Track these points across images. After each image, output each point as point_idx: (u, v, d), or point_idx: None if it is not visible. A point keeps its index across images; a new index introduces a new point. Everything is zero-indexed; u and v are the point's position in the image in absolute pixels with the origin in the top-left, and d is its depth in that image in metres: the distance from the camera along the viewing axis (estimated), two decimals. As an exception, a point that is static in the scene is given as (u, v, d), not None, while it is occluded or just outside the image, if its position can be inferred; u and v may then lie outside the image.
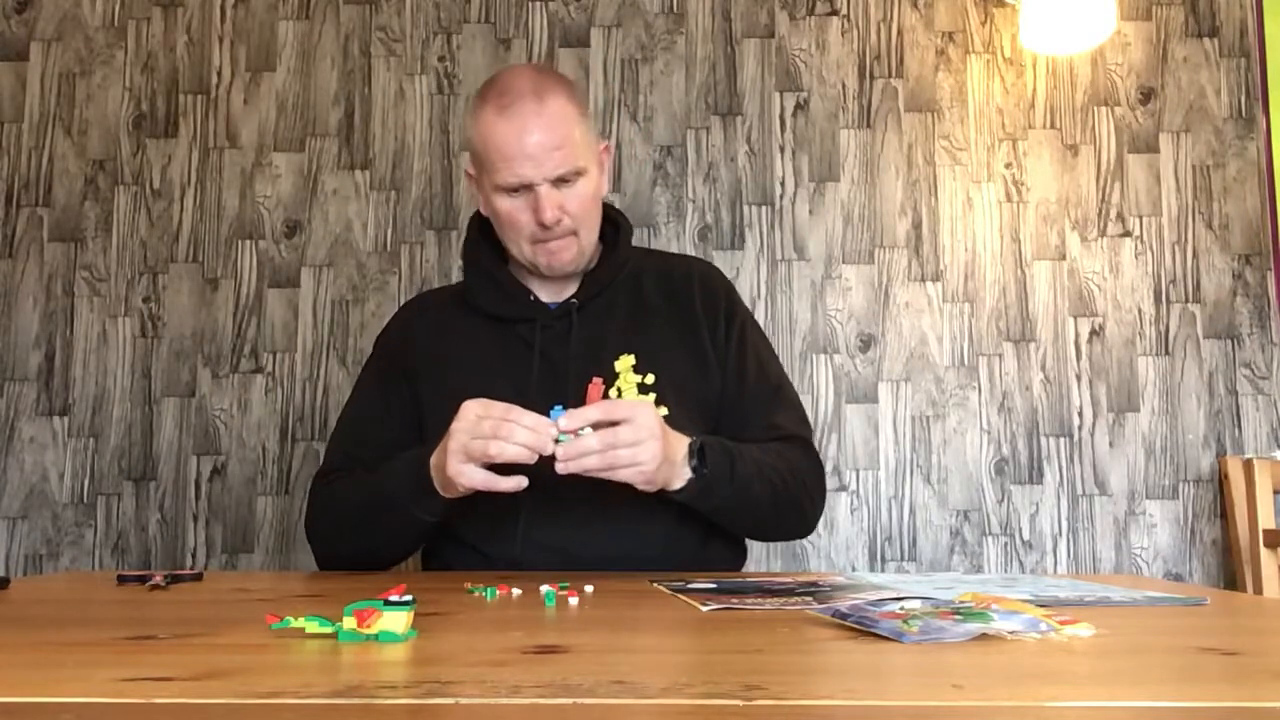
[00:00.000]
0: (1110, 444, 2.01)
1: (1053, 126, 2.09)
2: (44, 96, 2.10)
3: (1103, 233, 2.07)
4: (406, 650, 0.59)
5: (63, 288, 2.05)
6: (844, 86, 2.11)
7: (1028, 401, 2.02)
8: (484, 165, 1.38)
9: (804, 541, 1.99)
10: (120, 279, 2.05)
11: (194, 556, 1.99)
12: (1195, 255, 2.06)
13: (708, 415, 1.35)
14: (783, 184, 2.08)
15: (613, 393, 1.29)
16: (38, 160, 2.08)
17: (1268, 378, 2.02)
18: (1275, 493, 1.93)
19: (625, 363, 1.26)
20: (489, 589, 0.93)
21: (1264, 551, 1.87)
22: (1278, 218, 2.06)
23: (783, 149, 2.09)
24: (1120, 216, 2.07)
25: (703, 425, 1.31)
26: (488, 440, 1.12)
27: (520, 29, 2.11)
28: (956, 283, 2.05)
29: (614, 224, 1.49)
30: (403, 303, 1.97)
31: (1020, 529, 1.99)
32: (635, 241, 2.04)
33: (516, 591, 0.93)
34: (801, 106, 2.10)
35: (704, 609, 0.79)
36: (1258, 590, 1.86)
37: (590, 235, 1.41)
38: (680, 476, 1.19)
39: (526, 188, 1.33)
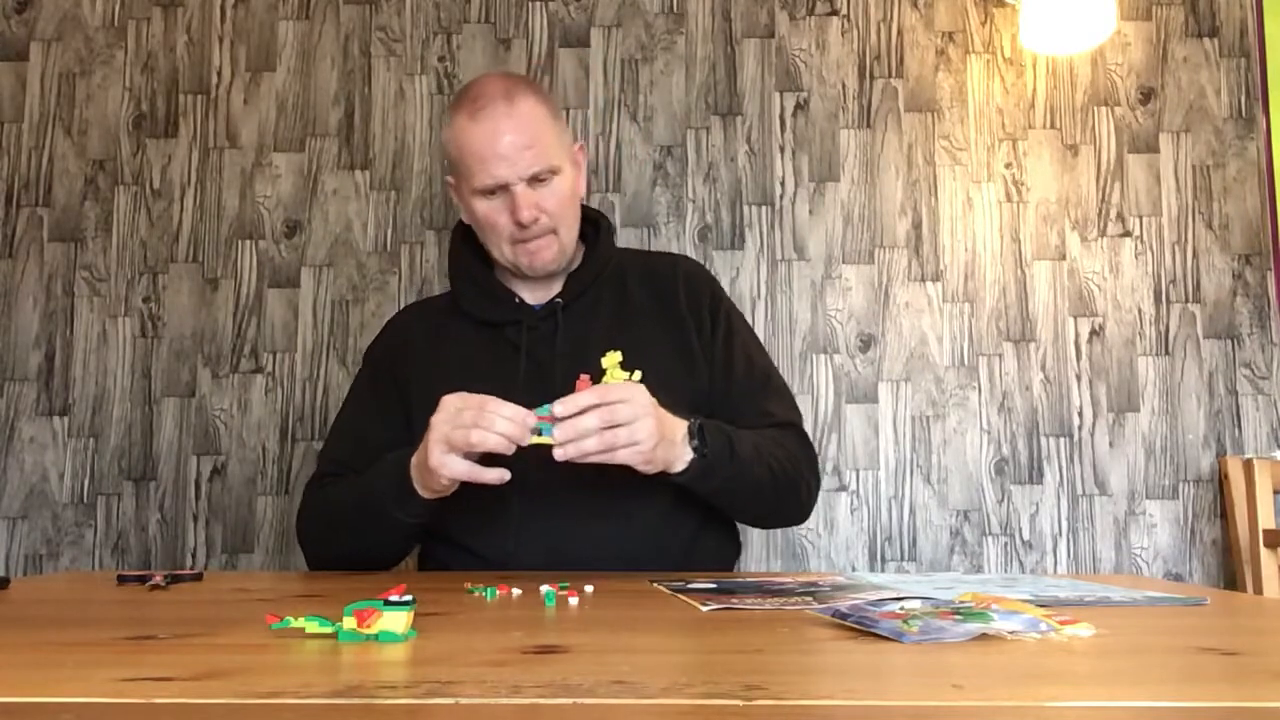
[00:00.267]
0: (1110, 444, 2.01)
1: (1053, 126, 2.09)
2: (44, 96, 2.10)
3: (1103, 233, 2.07)
4: (406, 650, 0.59)
5: (63, 288, 2.05)
6: (844, 86, 2.11)
7: (1028, 401, 2.02)
8: (460, 171, 1.40)
9: (804, 541, 1.99)
10: (120, 279, 2.05)
11: (194, 556, 1.99)
12: (1195, 255, 2.06)
13: (696, 411, 1.36)
14: (783, 184, 2.08)
15: None
16: (38, 160, 2.08)
17: (1268, 378, 2.03)
18: (1275, 493, 1.93)
19: (612, 359, 1.27)
20: (489, 589, 0.93)
21: (1264, 551, 1.87)
22: (1278, 218, 2.06)
23: (783, 149, 2.09)
24: (1120, 216, 2.07)
25: None
26: (468, 429, 1.12)
27: (520, 29, 2.11)
28: (956, 283, 2.05)
29: (594, 224, 1.51)
30: (402, 305, 1.98)
31: (1020, 529, 1.99)
32: (635, 242, 2.06)
33: (516, 591, 0.93)
34: (801, 106, 2.10)
35: (704, 609, 0.79)
36: (1258, 590, 1.86)
37: (569, 233, 1.43)
38: (681, 458, 1.20)
39: (503, 189, 1.35)
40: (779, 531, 1.99)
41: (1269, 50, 2.10)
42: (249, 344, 2.03)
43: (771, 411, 1.41)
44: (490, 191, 1.37)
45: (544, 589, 0.91)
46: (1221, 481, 1.99)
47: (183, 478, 2.00)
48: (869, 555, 2.00)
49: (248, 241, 2.06)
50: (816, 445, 2.00)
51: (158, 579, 1.06)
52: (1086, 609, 0.80)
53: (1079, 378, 2.03)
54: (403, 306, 1.73)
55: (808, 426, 2.00)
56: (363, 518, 1.29)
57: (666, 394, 1.22)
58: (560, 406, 1.11)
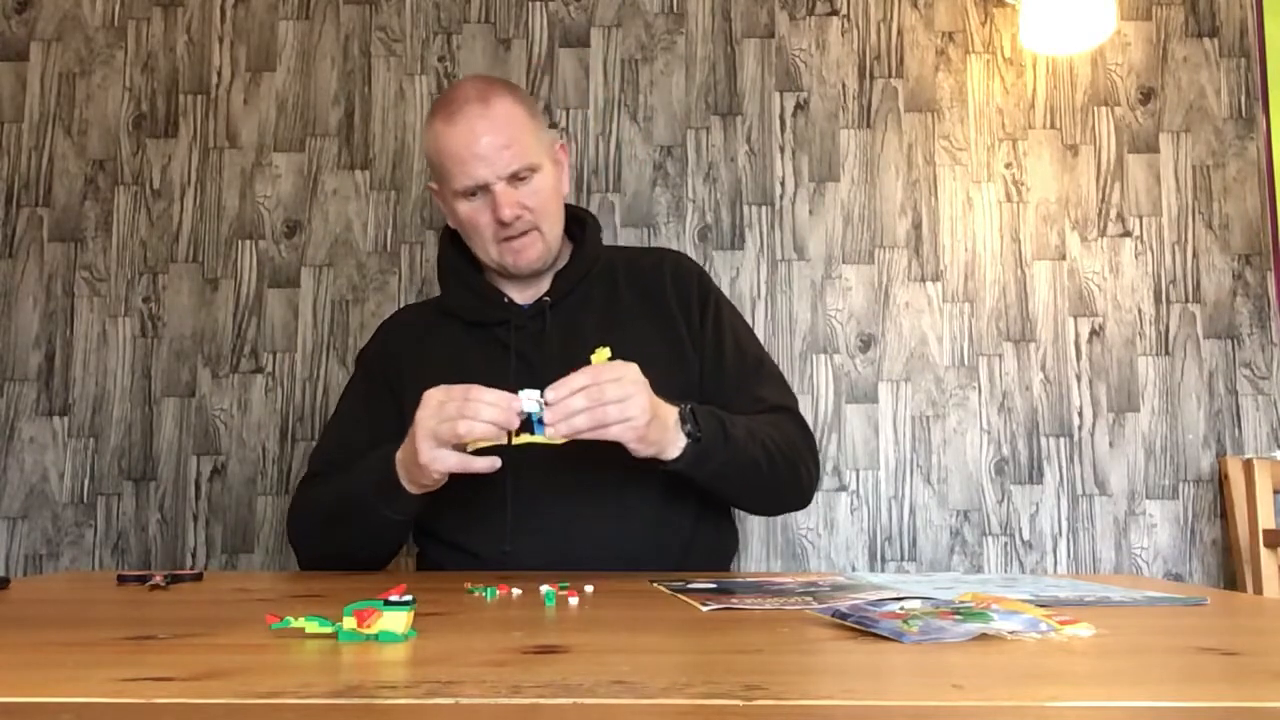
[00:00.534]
0: (1110, 444, 2.01)
1: (1053, 126, 2.09)
2: (44, 96, 2.10)
3: (1103, 233, 2.07)
4: (406, 650, 0.59)
5: (63, 288, 2.05)
6: (844, 86, 2.11)
7: (1028, 401, 2.02)
8: (441, 175, 1.41)
9: (804, 541, 1.99)
10: (120, 279, 2.05)
11: (194, 556, 1.99)
12: (1195, 255, 2.06)
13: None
14: (783, 184, 2.08)
15: None
16: (38, 160, 2.08)
17: (1268, 378, 2.02)
18: (1275, 493, 1.93)
19: (601, 355, 1.26)
20: (489, 589, 0.93)
21: (1264, 551, 1.87)
22: (1278, 218, 2.06)
23: (783, 149, 2.09)
24: (1120, 216, 2.07)
25: None
26: (455, 421, 1.12)
27: (520, 29, 2.11)
28: (956, 283, 2.05)
29: (580, 222, 1.51)
30: (402, 305, 1.98)
31: (1020, 529, 1.99)
32: (636, 242, 2.06)
33: (516, 591, 0.93)
34: (801, 106, 2.10)
35: (704, 609, 0.79)
36: (1258, 590, 1.86)
37: (553, 230, 1.43)
38: (674, 444, 1.18)
39: (483, 189, 1.36)
40: (779, 531, 1.99)
41: (1269, 50, 2.10)
42: (249, 344, 2.03)
43: (764, 397, 1.40)
44: (471, 193, 1.37)
45: (544, 589, 0.91)
46: (1221, 481, 1.99)
47: (183, 478, 2.00)
48: (869, 555, 2.00)
49: (248, 241, 2.06)
50: (816, 445, 2.00)
51: (158, 579, 1.06)
52: (1086, 609, 0.80)
53: (1079, 378, 2.03)
54: (401, 307, 1.73)
55: (808, 426, 2.00)
56: (349, 514, 1.29)
57: (657, 389, 1.22)
58: (552, 392, 1.10)
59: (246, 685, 0.48)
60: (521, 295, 1.46)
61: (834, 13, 2.12)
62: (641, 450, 1.16)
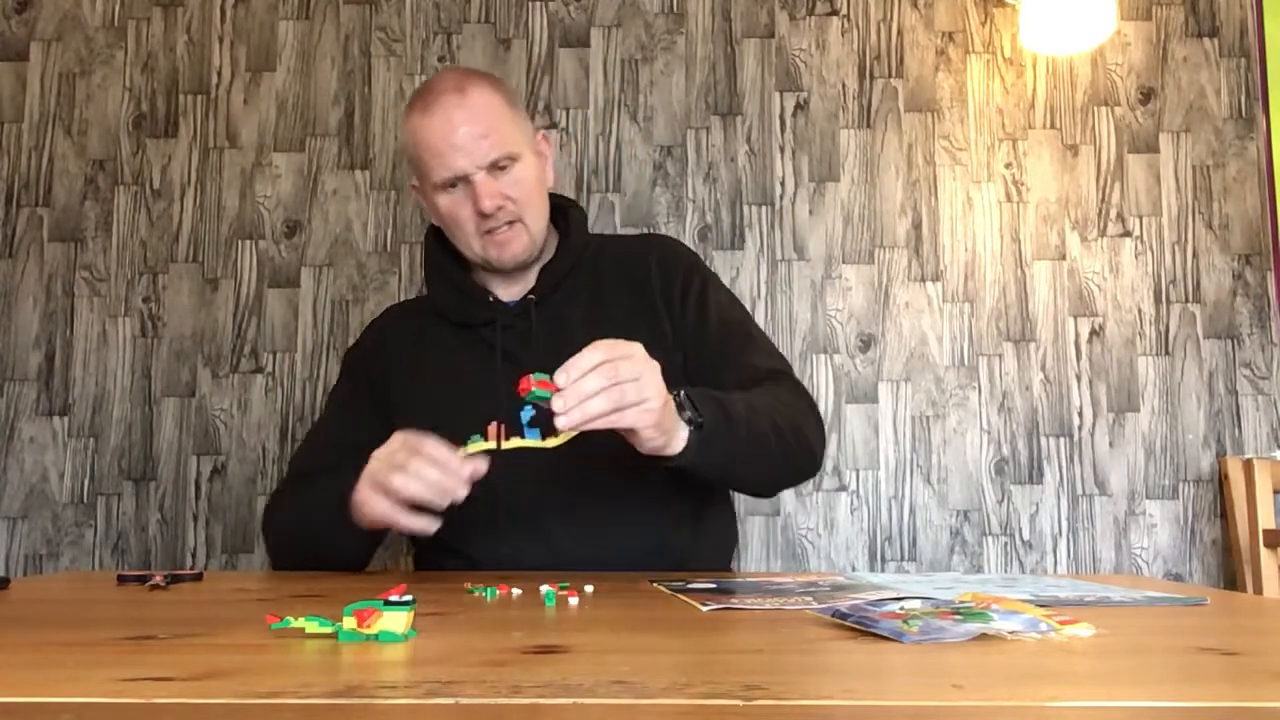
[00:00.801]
0: (1110, 444, 2.01)
1: (1053, 126, 2.09)
2: (44, 96, 2.10)
3: (1103, 233, 2.07)
4: (406, 650, 0.59)
5: (63, 288, 2.05)
6: (844, 86, 2.11)
7: (1028, 401, 2.02)
8: (420, 169, 1.38)
9: (804, 541, 1.99)
10: (120, 279, 2.05)
11: (194, 556, 1.99)
12: (1195, 255, 2.06)
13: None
14: (783, 184, 2.08)
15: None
16: (38, 160, 2.08)
17: (1268, 378, 2.02)
18: (1275, 493, 1.93)
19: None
20: (489, 589, 0.93)
21: (1264, 551, 1.87)
22: (1278, 218, 2.06)
23: (783, 149, 2.09)
24: (1120, 216, 2.07)
25: None
26: (395, 473, 1.09)
27: (520, 29, 2.11)
28: (956, 283, 2.05)
29: (565, 213, 1.47)
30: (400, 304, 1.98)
31: (1020, 529, 1.99)
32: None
33: (516, 591, 0.93)
34: (801, 106, 2.10)
35: (704, 609, 0.79)
36: (1258, 590, 1.86)
37: (537, 222, 1.40)
38: (679, 435, 1.10)
39: (463, 180, 1.33)
40: (779, 531, 1.99)
41: (1269, 50, 2.10)
42: (249, 344, 2.03)
43: (755, 364, 1.34)
44: (451, 184, 1.34)
45: (544, 589, 0.91)
46: (1221, 481, 1.99)
47: (183, 478, 2.00)
48: (869, 555, 2.00)
49: (248, 241, 2.06)
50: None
51: (158, 579, 1.06)
52: (1086, 609, 0.80)
53: (1079, 378, 2.03)
54: (390, 305, 1.71)
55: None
56: (314, 537, 1.26)
57: None
58: (563, 375, 1.00)
59: (246, 685, 0.48)
60: (508, 291, 1.43)
61: (834, 13, 2.12)
62: (655, 439, 1.07)
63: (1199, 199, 2.07)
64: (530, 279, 1.43)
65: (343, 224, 2.06)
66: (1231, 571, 1.96)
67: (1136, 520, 2.00)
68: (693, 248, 2.05)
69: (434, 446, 1.09)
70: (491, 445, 1.10)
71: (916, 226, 2.07)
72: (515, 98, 1.42)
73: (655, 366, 1.04)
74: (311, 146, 2.08)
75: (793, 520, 2.00)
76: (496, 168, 1.33)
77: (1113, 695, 0.46)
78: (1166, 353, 2.03)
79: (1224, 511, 1.98)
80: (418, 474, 1.08)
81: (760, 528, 2.00)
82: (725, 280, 2.02)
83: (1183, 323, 2.04)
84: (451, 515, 1.25)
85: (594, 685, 0.47)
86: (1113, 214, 2.07)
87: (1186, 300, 2.05)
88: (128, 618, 0.78)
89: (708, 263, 2.02)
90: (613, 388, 1.00)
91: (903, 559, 2.00)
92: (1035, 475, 2.01)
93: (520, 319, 1.40)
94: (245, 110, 2.10)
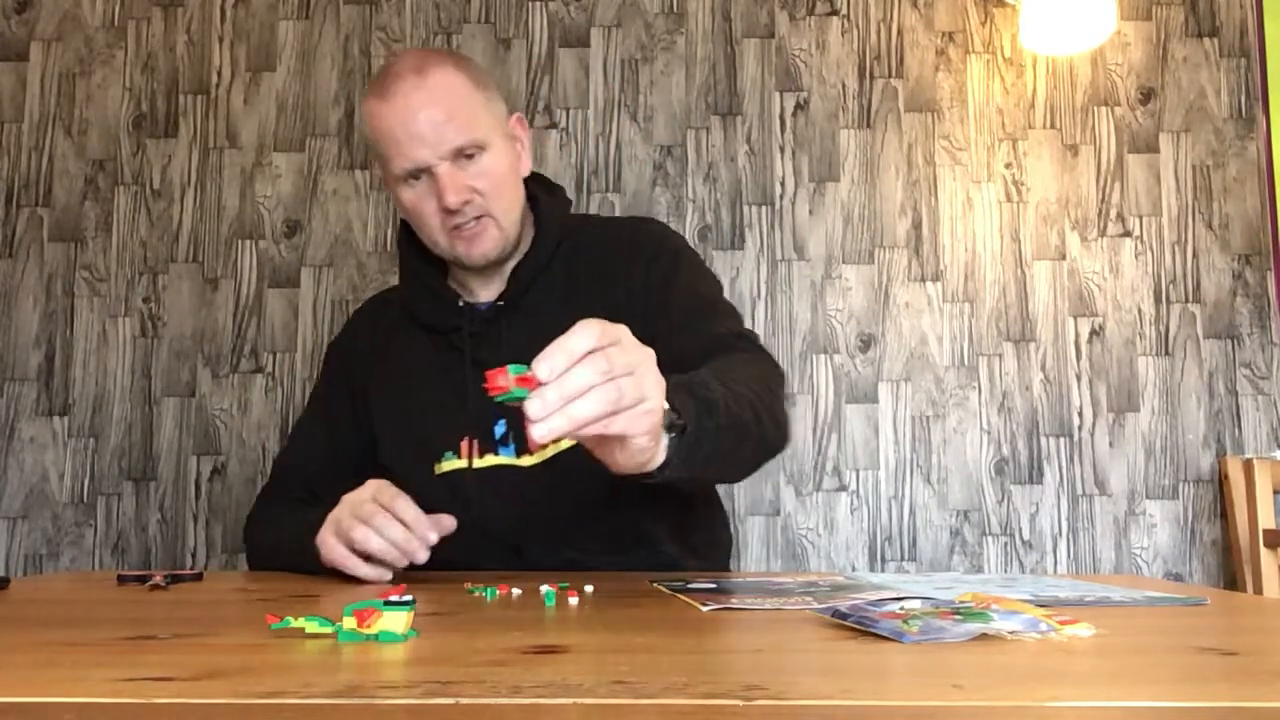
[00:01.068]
0: (1110, 444, 2.01)
1: (1053, 126, 2.09)
2: (44, 96, 2.10)
3: (1103, 233, 2.07)
4: (406, 650, 0.59)
5: (63, 288, 2.05)
6: (844, 86, 2.11)
7: (1028, 401, 2.02)
8: (381, 159, 1.27)
9: (804, 541, 1.99)
10: (120, 279, 2.05)
11: (194, 556, 1.99)
12: (1195, 255, 2.06)
13: None
14: (783, 184, 2.08)
15: None
16: (38, 160, 2.08)
17: (1268, 378, 2.02)
18: (1275, 493, 1.93)
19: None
20: (489, 589, 0.93)
21: (1264, 551, 1.87)
22: (1278, 218, 2.06)
23: (783, 149, 2.09)
24: (1120, 216, 2.07)
25: None
26: (358, 524, 1.04)
27: (520, 29, 2.11)
28: (956, 283, 2.05)
29: (536, 199, 1.35)
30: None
31: (1020, 529, 1.99)
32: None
33: (516, 591, 0.93)
34: (801, 106, 2.10)
35: (704, 609, 0.79)
36: (1258, 590, 1.86)
37: (509, 216, 1.28)
38: (661, 445, 0.87)
39: (425, 172, 1.22)
40: (779, 531, 1.99)
41: (1269, 50, 2.10)
42: (249, 344, 2.03)
43: (717, 332, 1.22)
44: (413, 176, 1.23)
45: (544, 589, 0.91)
46: (1221, 481, 1.99)
47: (183, 478, 2.00)
48: (869, 555, 2.00)
49: (248, 241, 2.06)
50: (816, 445, 2.00)
51: (158, 579, 1.06)
52: (1086, 609, 0.80)
53: (1079, 378, 2.03)
54: (372, 295, 1.60)
55: (806, 427, 2.00)
56: (289, 565, 1.22)
57: None
58: (544, 365, 0.75)
59: (246, 685, 0.48)
60: (486, 290, 1.33)
61: (834, 13, 2.12)
62: (646, 451, 0.85)
63: (1199, 199, 2.07)
64: (507, 273, 1.32)
65: (343, 224, 2.06)
66: (1231, 571, 1.96)
67: (1136, 520, 2.00)
68: (693, 248, 2.05)
69: (404, 506, 1.04)
70: (463, 465, 1.03)
71: (916, 226, 2.07)
72: (484, 78, 1.29)
73: (650, 354, 0.83)
74: (311, 146, 2.08)
75: (793, 520, 2.00)
76: (462, 156, 1.22)
77: (1113, 695, 0.46)
78: (1166, 353, 2.03)
79: (1224, 511, 1.98)
80: (381, 530, 1.03)
81: (760, 528, 2.00)
82: (725, 280, 2.02)
83: (1183, 323, 2.04)
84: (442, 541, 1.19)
85: (594, 685, 0.47)
86: (1113, 214, 2.07)
87: (1186, 300, 2.05)
88: (128, 618, 0.78)
89: (708, 263, 2.02)
90: (607, 383, 0.77)
91: (903, 559, 2.00)
92: (1035, 475, 2.01)
93: (490, 324, 1.30)
94: (245, 110, 2.10)
